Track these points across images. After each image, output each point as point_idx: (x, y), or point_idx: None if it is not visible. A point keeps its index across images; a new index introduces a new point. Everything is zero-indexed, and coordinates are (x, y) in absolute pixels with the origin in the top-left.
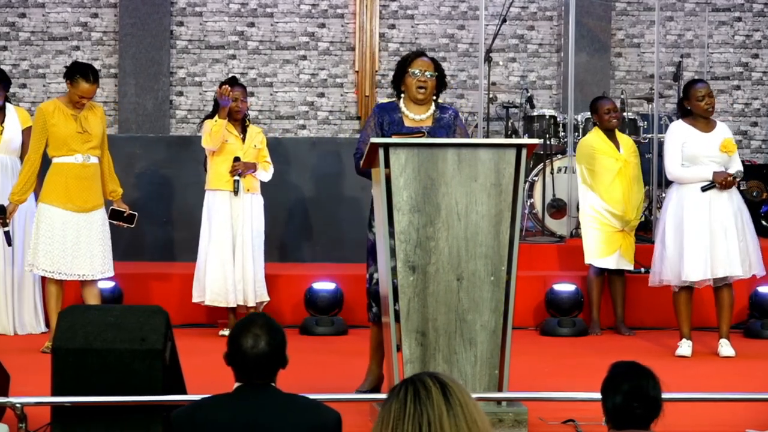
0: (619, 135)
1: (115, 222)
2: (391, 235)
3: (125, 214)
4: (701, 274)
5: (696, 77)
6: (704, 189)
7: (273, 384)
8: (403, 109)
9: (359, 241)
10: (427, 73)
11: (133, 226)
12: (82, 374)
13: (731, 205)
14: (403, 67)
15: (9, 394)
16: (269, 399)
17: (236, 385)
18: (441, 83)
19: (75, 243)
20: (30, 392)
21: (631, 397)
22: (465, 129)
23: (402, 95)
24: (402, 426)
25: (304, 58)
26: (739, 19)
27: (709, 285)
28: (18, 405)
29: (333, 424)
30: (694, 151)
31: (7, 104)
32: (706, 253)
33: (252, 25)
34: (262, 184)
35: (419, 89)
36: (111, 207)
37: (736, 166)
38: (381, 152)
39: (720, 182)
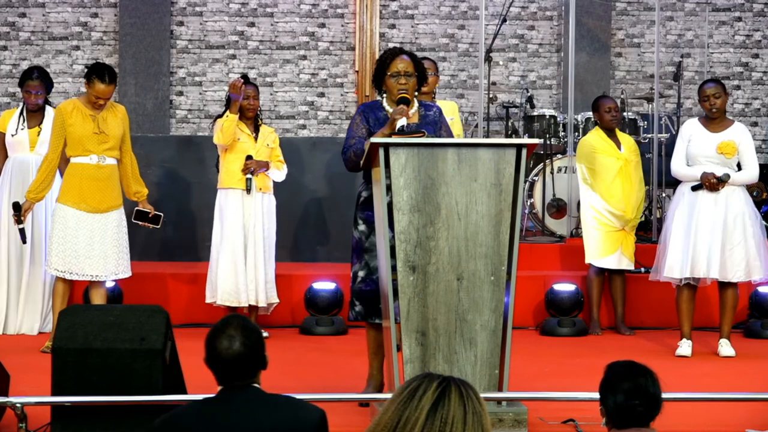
0: (619, 134)
1: (140, 223)
2: (391, 235)
3: (150, 215)
4: (678, 272)
5: (707, 77)
6: (694, 188)
7: (256, 385)
8: (388, 108)
9: None
10: (407, 73)
11: (158, 227)
12: (82, 374)
13: (726, 206)
14: (381, 67)
15: (9, 394)
16: (251, 400)
17: (219, 388)
18: (421, 78)
19: (88, 243)
20: (30, 392)
21: (633, 396)
22: (448, 126)
23: (384, 95)
24: (418, 402)
25: (304, 57)
26: (740, 19)
27: (713, 283)
28: (18, 405)
29: (317, 422)
30: (694, 150)
31: (47, 106)
32: (686, 251)
33: (252, 24)
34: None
35: (400, 92)
36: (136, 208)
37: (748, 169)
38: (381, 152)
39: (704, 183)
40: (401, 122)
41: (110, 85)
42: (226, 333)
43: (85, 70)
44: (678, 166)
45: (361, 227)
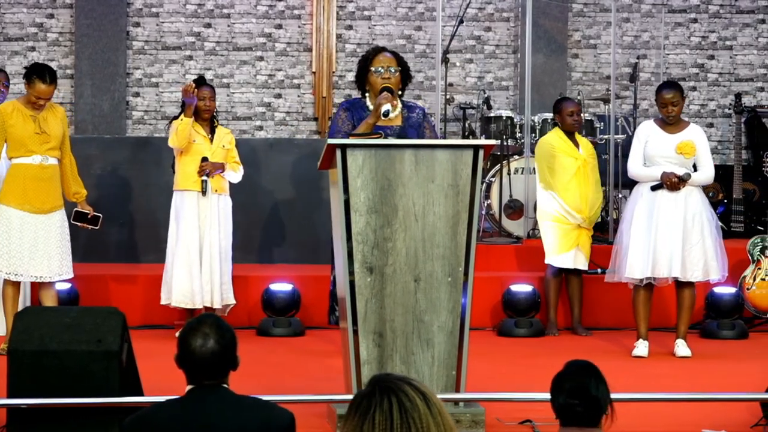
0: (577, 137)
1: (79, 224)
2: (348, 236)
3: (89, 216)
4: (639, 272)
5: (663, 79)
6: (653, 188)
7: (225, 385)
8: (371, 106)
9: (315, 242)
10: (390, 69)
11: (97, 227)
12: (39, 376)
13: (685, 206)
14: (365, 64)
15: None
16: (221, 400)
17: (188, 387)
18: (405, 77)
19: (32, 244)
20: None
21: (573, 396)
22: (433, 126)
23: (367, 93)
24: None
25: (261, 59)
26: (695, 20)
27: (671, 284)
28: None
29: (286, 425)
30: (652, 150)
31: None
32: (647, 251)
33: (209, 26)
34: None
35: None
36: (75, 209)
37: (705, 169)
38: (338, 153)
39: (665, 182)
40: (386, 107)
41: (51, 85)
42: (201, 331)
43: (20, 71)
44: (635, 167)
45: None
